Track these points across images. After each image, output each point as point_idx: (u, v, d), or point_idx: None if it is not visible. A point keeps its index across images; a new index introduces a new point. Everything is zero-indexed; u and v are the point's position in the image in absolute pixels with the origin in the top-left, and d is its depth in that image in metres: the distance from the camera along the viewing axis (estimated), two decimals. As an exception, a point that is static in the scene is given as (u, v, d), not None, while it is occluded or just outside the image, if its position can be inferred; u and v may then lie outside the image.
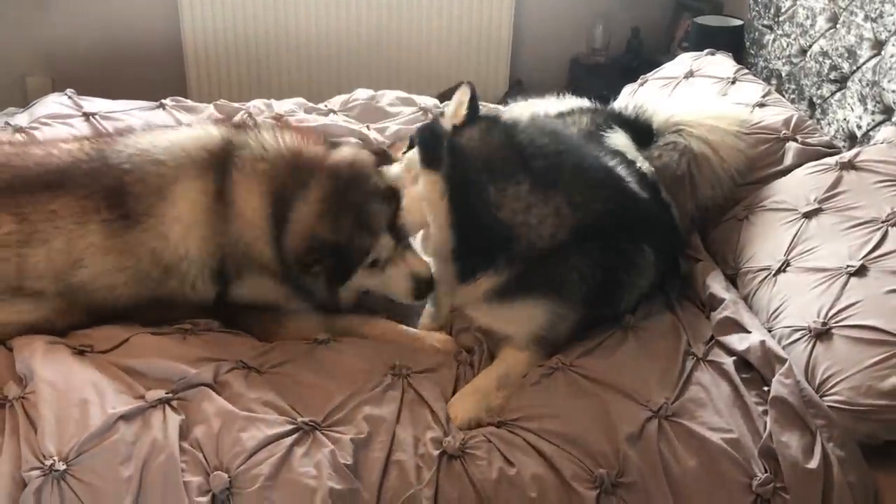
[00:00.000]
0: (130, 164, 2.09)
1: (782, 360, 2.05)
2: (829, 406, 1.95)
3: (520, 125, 2.20)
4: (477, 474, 1.80)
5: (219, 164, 2.11)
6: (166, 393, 1.86)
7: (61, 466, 1.70)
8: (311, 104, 3.34)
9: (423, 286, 2.15)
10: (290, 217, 2.05)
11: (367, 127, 3.13)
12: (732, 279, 2.46)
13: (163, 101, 3.19)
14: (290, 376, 1.98)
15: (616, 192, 2.20)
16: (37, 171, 2.07)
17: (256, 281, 2.13)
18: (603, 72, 4.37)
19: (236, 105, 3.25)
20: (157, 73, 4.14)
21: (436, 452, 1.83)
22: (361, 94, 3.40)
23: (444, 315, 2.25)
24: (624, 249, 2.17)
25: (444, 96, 2.70)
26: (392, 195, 2.13)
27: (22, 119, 2.91)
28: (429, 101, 3.38)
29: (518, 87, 4.41)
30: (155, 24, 4.12)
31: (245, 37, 4.15)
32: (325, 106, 3.33)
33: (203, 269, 2.09)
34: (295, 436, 1.81)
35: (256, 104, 3.28)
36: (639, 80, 3.52)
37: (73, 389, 1.82)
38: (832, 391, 1.97)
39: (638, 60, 4.34)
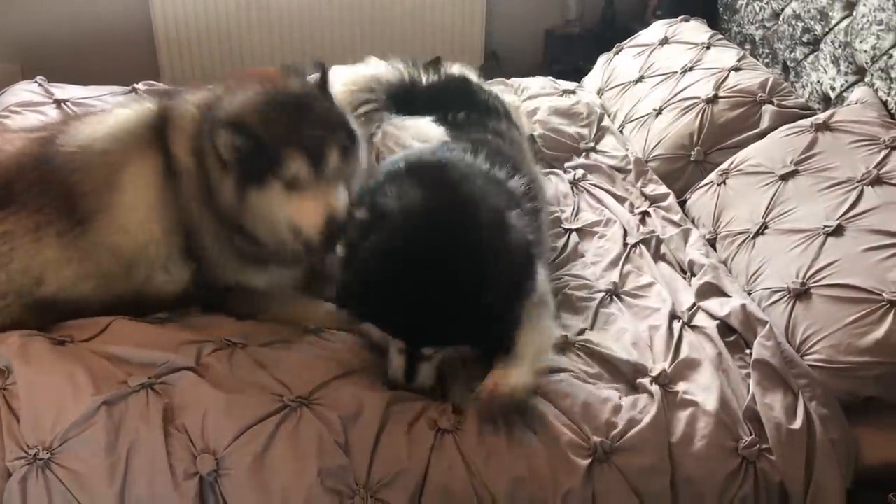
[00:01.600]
0: (75, 162, 1.98)
1: (763, 323, 2.07)
2: (809, 365, 1.97)
3: None
4: (468, 450, 1.79)
5: (159, 135, 2.01)
6: (149, 378, 1.83)
7: (45, 455, 1.69)
8: (285, 82, 3.31)
9: (334, 226, 1.90)
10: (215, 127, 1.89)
11: None
12: (712, 243, 2.47)
13: (135, 85, 3.15)
14: (276, 354, 1.95)
15: None
16: None
17: (209, 247, 2.02)
18: (578, 42, 4.35)
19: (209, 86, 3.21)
20: (129, 57, 4.07)
21: (427, 427, 1.82)
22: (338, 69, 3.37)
23: None
24: None
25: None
26: (339, 124, 1.97)
27: (-9, 108, 2.87)
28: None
29: (493, 59, 4.40)
30: (124, 6, 4.05)
31: (216, 16, 4.09)
32: (300, 83, 3.30)
33: (171, 248, 1.99)
34: (282, 414, 1.79)
35: (229, 85, 3.24)
36: (614, 49, 3.52)
37: (55, 378, 1.81)
38: (812, 350, 2.00)
39: (613, 30, 4.32)
